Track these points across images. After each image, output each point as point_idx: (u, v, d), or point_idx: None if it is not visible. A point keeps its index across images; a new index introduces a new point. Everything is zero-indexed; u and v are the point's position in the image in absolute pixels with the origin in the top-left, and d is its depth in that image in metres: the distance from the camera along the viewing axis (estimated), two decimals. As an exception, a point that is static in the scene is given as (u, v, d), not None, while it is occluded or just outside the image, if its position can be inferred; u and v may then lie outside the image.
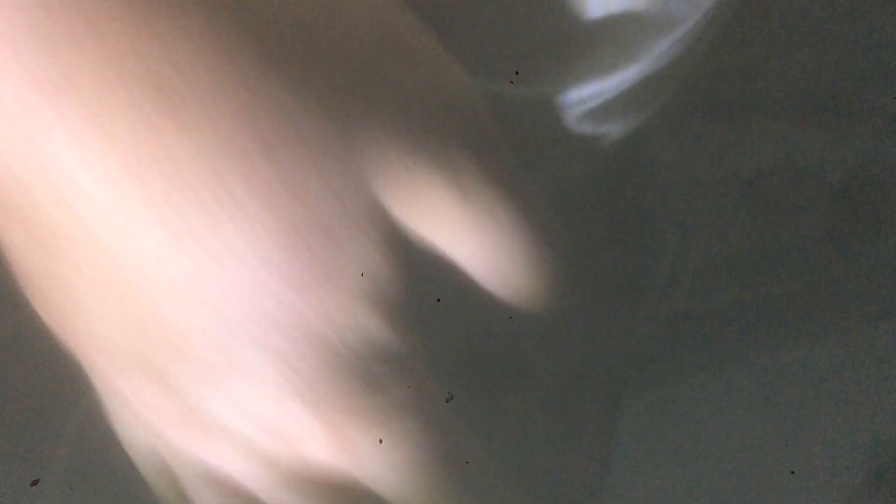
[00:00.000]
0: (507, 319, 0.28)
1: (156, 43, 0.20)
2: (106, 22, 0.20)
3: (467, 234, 0.25)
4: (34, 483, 0.25)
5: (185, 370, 0.22)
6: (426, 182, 0.23)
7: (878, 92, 0.37)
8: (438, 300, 0.26)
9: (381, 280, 0.23)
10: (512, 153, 0.26)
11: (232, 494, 0.25)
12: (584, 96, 0.28)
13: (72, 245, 0.21)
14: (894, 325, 0.40)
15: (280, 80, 0.21)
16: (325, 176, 0.22)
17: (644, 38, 0.27)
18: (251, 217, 0.21)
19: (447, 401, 0.28)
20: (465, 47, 0.26)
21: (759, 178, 0.36)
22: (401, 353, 0.24)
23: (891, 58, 0.37)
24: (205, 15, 0.21)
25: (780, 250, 0.37)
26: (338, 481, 0.24)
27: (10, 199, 0.21)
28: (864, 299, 0.38)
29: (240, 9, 0.21)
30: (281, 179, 0.21)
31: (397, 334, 0.24)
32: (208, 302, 0.21)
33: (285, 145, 0.21)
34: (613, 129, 0.29)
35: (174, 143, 0.20)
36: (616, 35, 0.27)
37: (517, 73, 0.27)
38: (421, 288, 0.26)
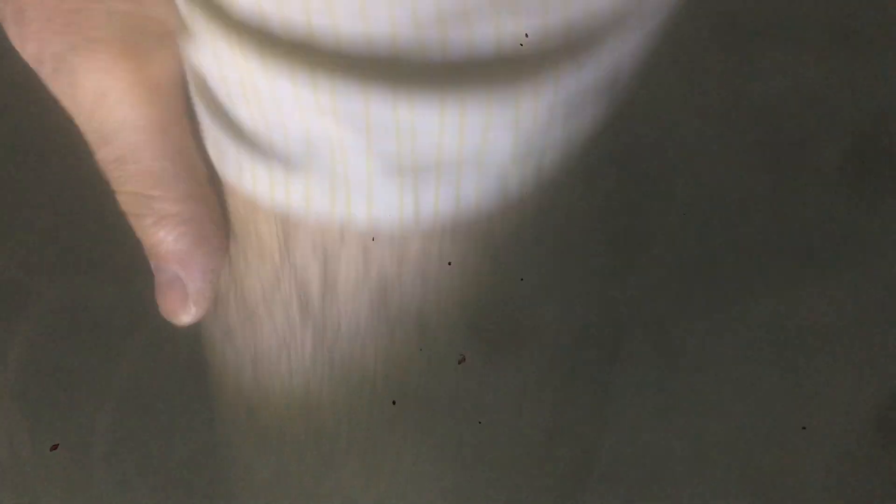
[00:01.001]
0: (518, 281, 0.27)
1: None
2: None
3: None
4: (54, 447, 0.24)
5: None
6: None
7: (889, 19, 0.36)
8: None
9: None
10: None
11: None
12: None
13: None
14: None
15: None
16: None
17: None
18: None
19: (459, 362, 0.27)
20: None
21: (769, 107, 0.35)
22: None
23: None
24: None
25: (796, 184, 0.35)
26: None
27: None
28: (881, 235, 0.37)
29: None
30: None
31: None
32: None
33: None
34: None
35: None
36: None
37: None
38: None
